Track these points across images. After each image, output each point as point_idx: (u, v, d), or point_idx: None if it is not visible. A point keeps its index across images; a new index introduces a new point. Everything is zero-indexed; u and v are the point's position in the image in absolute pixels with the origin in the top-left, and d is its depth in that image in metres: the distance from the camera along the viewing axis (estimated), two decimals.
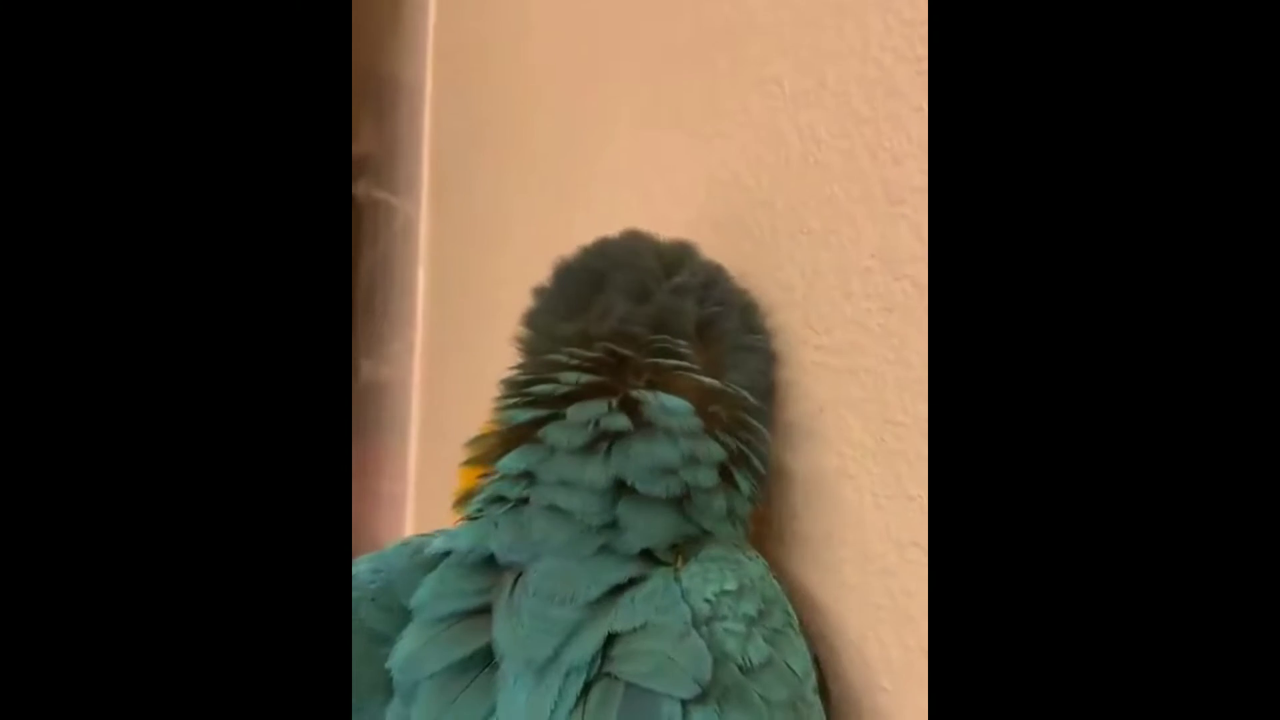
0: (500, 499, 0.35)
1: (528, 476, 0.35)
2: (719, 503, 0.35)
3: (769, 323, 0.42)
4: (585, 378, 0.35)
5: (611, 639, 0.30)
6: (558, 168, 0.77)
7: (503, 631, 0.31)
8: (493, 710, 0.30)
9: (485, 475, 0.37)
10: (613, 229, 0.62)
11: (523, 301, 0.43)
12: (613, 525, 0.33)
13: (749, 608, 0.32)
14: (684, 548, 0.35)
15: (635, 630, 0.31)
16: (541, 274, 0.56)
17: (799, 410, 0.41)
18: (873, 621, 0.36)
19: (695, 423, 0.35)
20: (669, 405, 0.35)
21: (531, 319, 0.41)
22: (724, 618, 0.31)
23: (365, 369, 1.47)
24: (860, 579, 0.37)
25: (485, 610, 0.32)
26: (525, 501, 0.34)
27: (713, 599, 0.32)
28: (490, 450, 0.37)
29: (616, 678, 0.29)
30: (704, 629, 0.31)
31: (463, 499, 0.37)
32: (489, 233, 1.01)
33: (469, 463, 0.38)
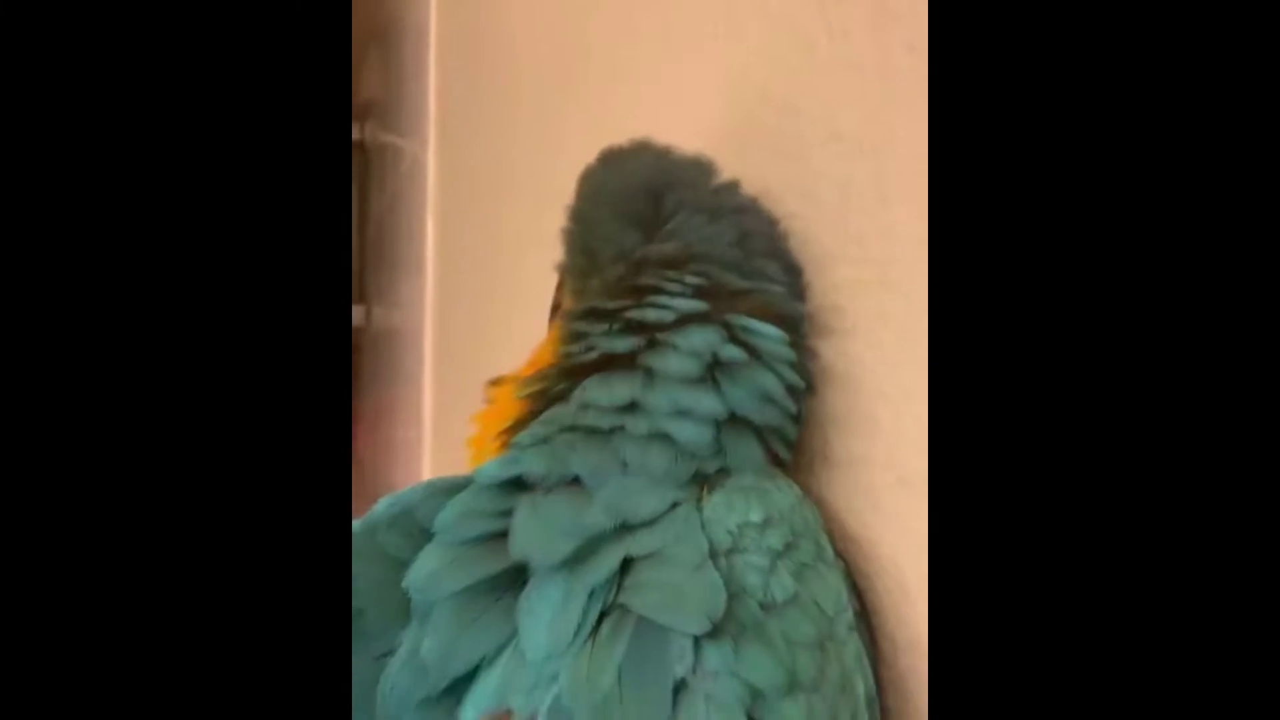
0: (586, 429, 0.33)
1: (631, 406, 0.33)
2: (793, 430, 0.36)
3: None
4: (690, 304, 0.34)
5: (628, 564, 0.29)
6: (565, 96, 0.74)
7: (524, 529, 0.30)
8: (513, 635, 0.28)
9: (536, 405, 0.35)
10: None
11: (533, 241, 0.41)
12: (717, 454, 0.33)
13: (774, 540, 0.30)
14: (713, 478, 0.33)
15: (650, 556, 0.29)
16: (551, 211, 0.54)
17: (831, 329, 0.39)
18: (910, 547, 0.35)
19: (790, 353, 0.35)
20: (770, 334, 0.35)
21: (588, 237, 0.39)
22: (745, 550, 0.30)
23: (377, 316, 1.46)
24: (896, 503, 0.36)
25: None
26: (620, 430, 0.33)
27: (735, 530, 0.30)
28: (552, 381, 0.35)
29: (628, 610, 0.28)
30: (723, 561, 0.29)
31: (513, 428, 0.35)
32: (497, 172, 0.99)
33: (529, 395, 0.36)
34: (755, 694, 0.27)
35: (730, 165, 0.47)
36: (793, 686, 0.27)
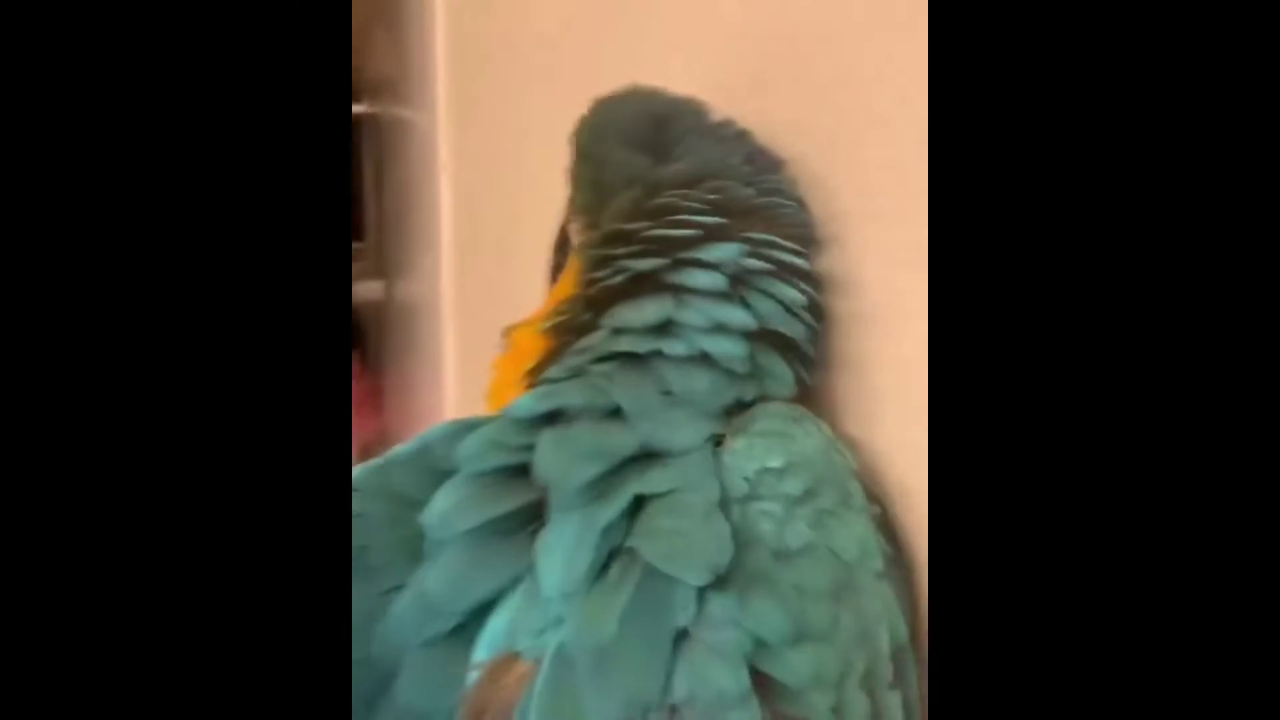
0: (623, 355, 0.33)
1: (665, 327, 0.33)
2: (811, 350, 0.35)
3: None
4: (710, 219, 0.34)
5: (641, 503, 0.29)
6: (567, 65, 0.74)
7: (548, 453, 0.29)
8: (526, 572, 0.28)
9: (562, 339, 0.35)
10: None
11: (549, 208, 0.42)
12: (752, 375, 0.33)
13: (792, 487, 0.30)
14: (739, 420, 0.33)
15: (663, 497, 0.29)
16: (563, 179, 0.54)
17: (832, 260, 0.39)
18: (921, 475, 0.35)
19: (808, 265, 0.35)
20: (788, 247, 0.35)
21: (597, 170, 0.38)
22: (761, 497, 0.29)
23: (397, 290, 1.47)
24: (906, 434, 0.36)
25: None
26: (658, 354, 0.33)
27: (752, 476, 0.30)
28: (577, 313, 0.35)
29: (636, 555, 0.28)
30: (736, 510, 0.29)
31: (539, 366, 0.35)
32: (509, 141, 0.99)
33: (553, 328, 0.36)
34: (760, 644, 0.26)
35: (746, 112, 0.47)
36: (800, 636, 0.27)
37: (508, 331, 0.38)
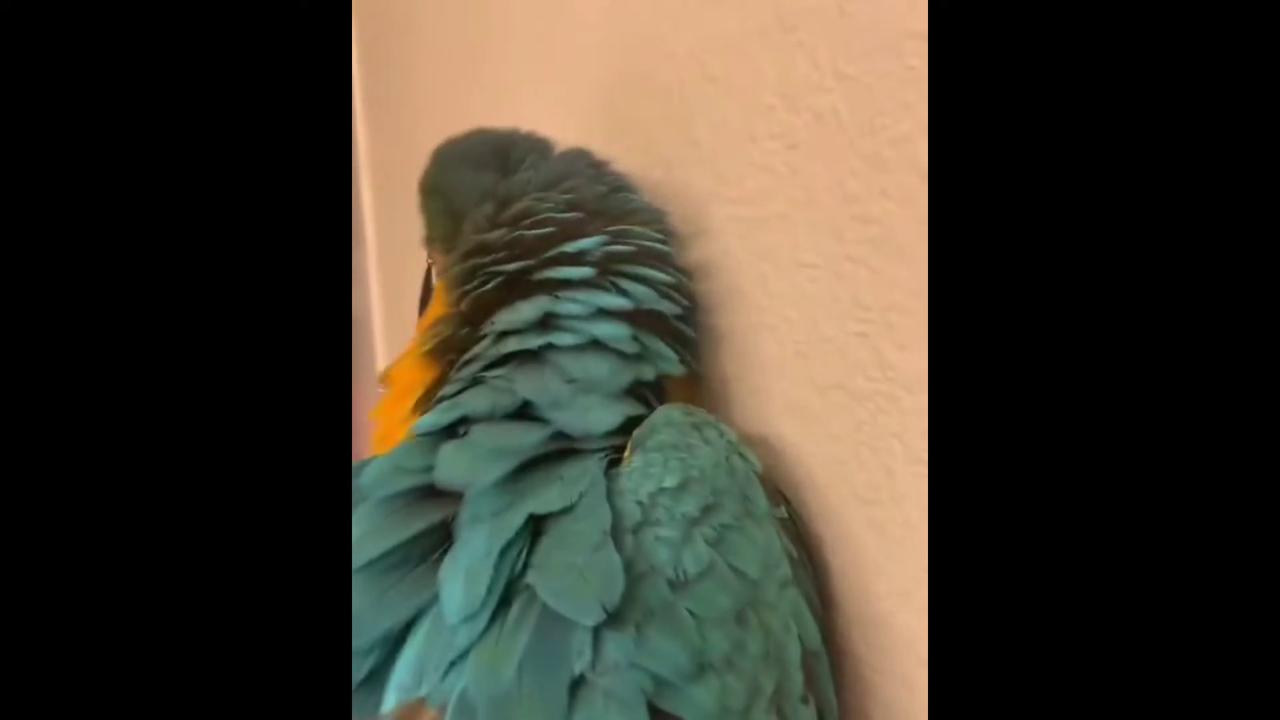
0: (515, 355, 0.33)
1: (546, 321, 0.33)
2: (690, 332, 0.37)
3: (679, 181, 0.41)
4: (568, 215, 0.35)
5: (536, 524, 0.28)
6: (476, 60, 0.74)
7: (453, 458, 0.29)
8: (433, 600, 0.27)
9: (444, 357, 0.35)
10: (534, 106, 0.59)
11: None
12: (641, 355, 0.34)
13: (690, 506, 0.29)
14: (638, 432, 0.32)
15: (556, 519, 0.28)
16: None
17: (718, 268, 0.40)
18: (814, 467, 0.36)
19: (669, 249, 0.37)
20: (648, 234, 0.36)
21: (448, 197, 0.39)
22: (657, 522, 0.28)
23: None
24: (791, 428, 0.37)
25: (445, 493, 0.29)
26: (549, 346, 0.33)
27: (646, 500, 0.29)
28: (454, 329, 0.35)
29: (534, 594, 0.27)
30: (629, 539, 0.28)
31: (428, 394, 0.34)
32: (426, 140, 0.98)
33: (432, 349, 0.35)
34: (660, 682, 0.25)
35: (626, 116, 0.47)
36: (702, 669, 0.26)
37: (384, 374, 0.38)
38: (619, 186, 0.38)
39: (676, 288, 0.36)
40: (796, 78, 0.34)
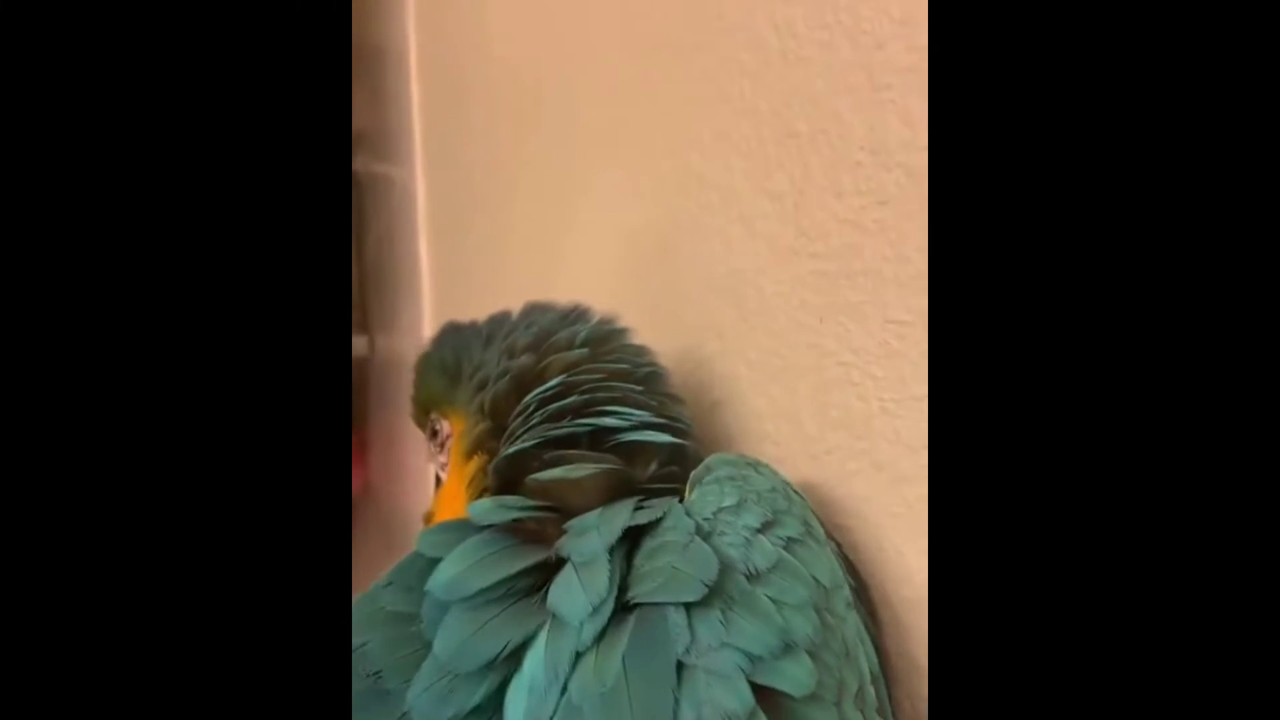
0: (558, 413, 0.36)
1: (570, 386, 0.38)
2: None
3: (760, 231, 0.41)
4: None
5: (633, 535, 0.30)
6: (544, 114, 0.75)
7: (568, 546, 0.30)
8: (532, 635, 0.27)
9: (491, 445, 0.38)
10: (607, 162, 0.60)
11: (524, 257, 0.44)
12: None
13: (750, 519, 0.31)
14: (695, 473, 0.34)
15: (648, 527, 0.30)
16: (543, 227, 0.53)
17: (798, 323, 0.40)
18: (889, 531, 0.35)
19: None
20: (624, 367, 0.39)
21: (443, 374, 0.43)
22: (723, 533, 0.30)
23: (380, 344, 1.46)
24: (873, 489, 0.36)
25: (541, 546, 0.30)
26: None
27: (711, 516, 0.31)
28: (482, 432, 0.39)
29: (628, 605, 0.28)
30: (707, 542, 0.30)
31: (476, 481, 0.38)
32: (485, 192, 1.00)
33: (465, 453, 0.39)
34: (752, 659, 0.26)
35: (701, 172, 0.48)
36: (789, 648, 0.27)
37: (426, 515, 0.42)
38: (572, 320, 0.42)
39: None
40: (887, 134, 0.34)
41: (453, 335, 0.45)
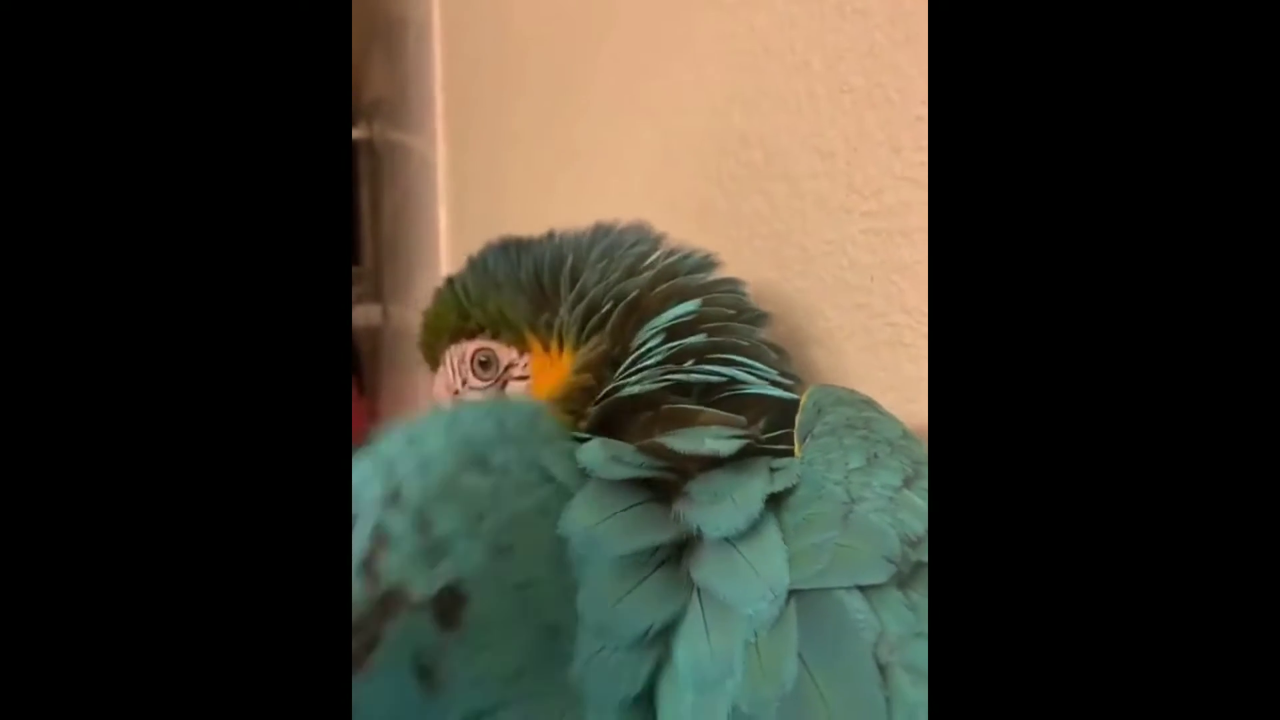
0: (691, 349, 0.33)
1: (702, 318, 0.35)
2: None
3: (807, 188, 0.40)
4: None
5: (773, 501, 0.26)
6: (570, 77, 0.74)
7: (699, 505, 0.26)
8: (678, 617, 0.24)
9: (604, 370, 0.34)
10: (641, 124, 0.59)
11: (542, 226, 0.42)
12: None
13: (890, 477, 0.26)
14: (803, 418, 0.30)
15: (784, 495, 0.26)
16: (572, 192, 0.51)
17: (846, 282, 0.39)
18: None
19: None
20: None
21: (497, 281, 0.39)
22: (863, 498, 0.25)
23: (394, 313, 1.46)
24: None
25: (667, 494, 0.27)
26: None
27: (842, 479, 0.26)
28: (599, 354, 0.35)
29: (791, 590, 0.23)
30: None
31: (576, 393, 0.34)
32: (505, 163, 0.98)
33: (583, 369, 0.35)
34: None
35: (744, 129, 0.47)
36: None
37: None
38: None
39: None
40: None
41: (506, 256, 0.40)
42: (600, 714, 0.22)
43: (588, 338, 0.35)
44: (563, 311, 0.36)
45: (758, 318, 0.36)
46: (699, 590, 0.24)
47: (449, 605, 0.22)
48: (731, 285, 0.37)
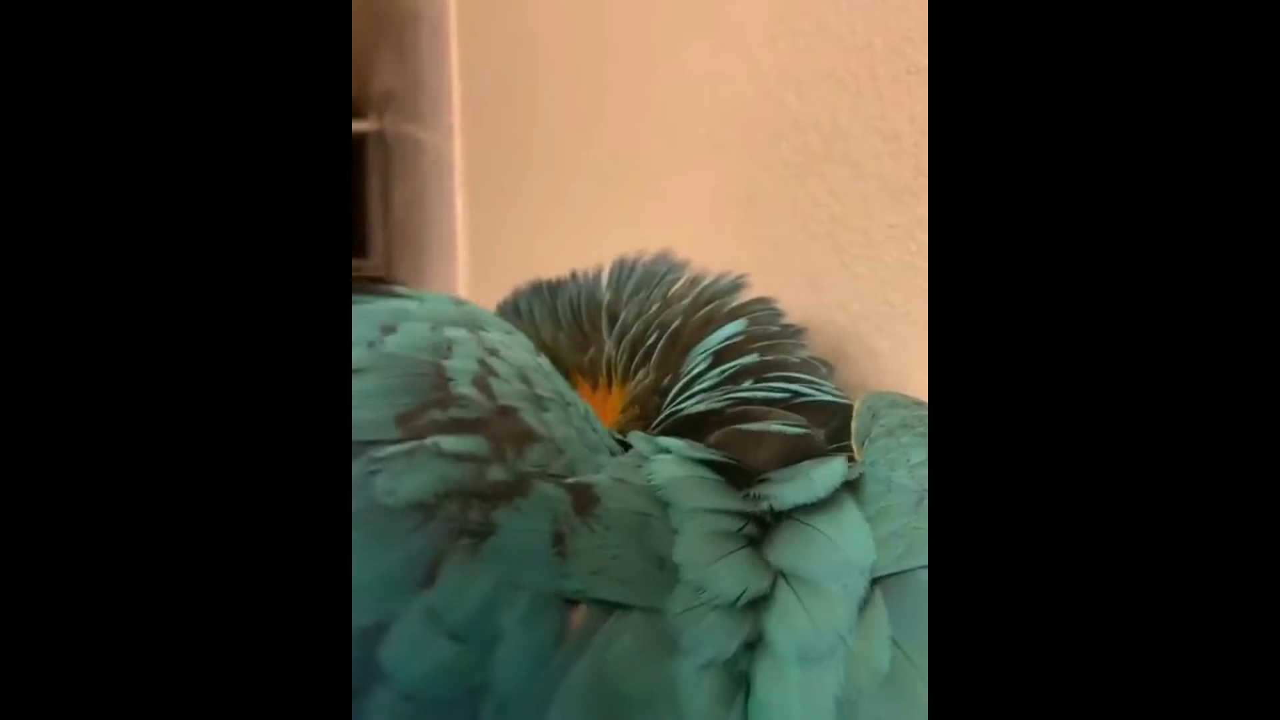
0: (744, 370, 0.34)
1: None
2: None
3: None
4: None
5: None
6: (591, 68, 0.73)
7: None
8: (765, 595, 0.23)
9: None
10: (673, 112, 0.58)
11: (561, 223, 0.41)
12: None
13: None
14: (858, 429, 0.29)
15: (872, 518, 0.25)
16: (579, 191, 0.50)
17: (913, 267, 0.38)
18: None
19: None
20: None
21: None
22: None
23: None
24: None
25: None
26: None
27: (907, 474, 0.26)
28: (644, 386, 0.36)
29: (874, 577, 0.23)
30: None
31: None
32: (524, 156, 0.97)
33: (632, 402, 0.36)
34: None
35: (799, 113, 0.46)
36: None
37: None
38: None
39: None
40: None
41: (540, 298, 0.41)
42: (693, 663, 0.22)
43: (635, 371, 0.36)
44: (608, 348, 0.37)
45: (798, 333, 0.37)
46: (782, 574, 0.24)
47: (584, 496, 0.22)
48: (767, 304, 0.38)
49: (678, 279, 0.39)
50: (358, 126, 1.70)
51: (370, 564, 0.19)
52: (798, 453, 0.29)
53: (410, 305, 0.27)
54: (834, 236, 0.42)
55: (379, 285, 0.28)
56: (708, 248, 0.54)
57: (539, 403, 0.25)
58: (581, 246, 0.81)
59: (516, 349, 0.27)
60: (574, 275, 0.41)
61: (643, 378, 0.35)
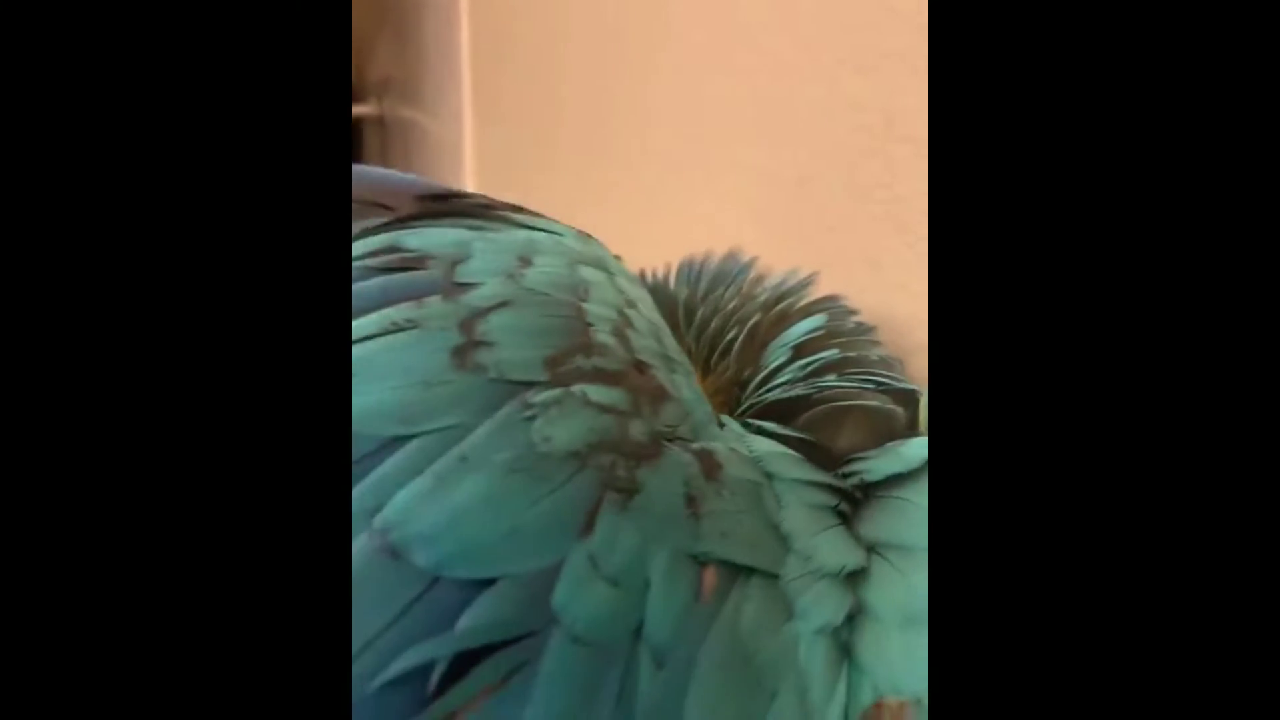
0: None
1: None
2: None
3: None
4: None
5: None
6: (595, 63, 0.73)
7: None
8: (863, 569, 0.24)
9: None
10: (730, 98, 0.57)
11: (574, 211, 0.42)
12: None
13: None
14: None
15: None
16: (591, 181, 0.49)
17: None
18: None
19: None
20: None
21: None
22: None
23: None
24: None
25: None
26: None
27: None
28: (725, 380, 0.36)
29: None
30: None
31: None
32: (532, 142, 0.97)
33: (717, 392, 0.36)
34: None
35: (848, 87, 0.45)
36: None
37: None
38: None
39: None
40: None
41: None
42: (809, 628, 0.22)
43: (715, 365, 0.37)
44: (687, 342, 0.38)
45: (870, 330, 0.38)
46: (875, 548, 0.24)
47: (708, 461, 0.23)
48: (837, 301, 0.39)
49: (749, 276, 0.40)
50: (356, 110, 1.69)
51: (533, 508, 0.19)
52: (882, 432, 0.30)
53: (538, 237, 0.27)
54: (897, 216, 0.42)
55: (490, 207, 0.27)
56: (753, 234, 0.54)
57: (669, 363, 0.25)
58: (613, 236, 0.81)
59: (647, 304, 0.27)
60: (641, 274, 0.42)
61: (723, 370, 0.36)
